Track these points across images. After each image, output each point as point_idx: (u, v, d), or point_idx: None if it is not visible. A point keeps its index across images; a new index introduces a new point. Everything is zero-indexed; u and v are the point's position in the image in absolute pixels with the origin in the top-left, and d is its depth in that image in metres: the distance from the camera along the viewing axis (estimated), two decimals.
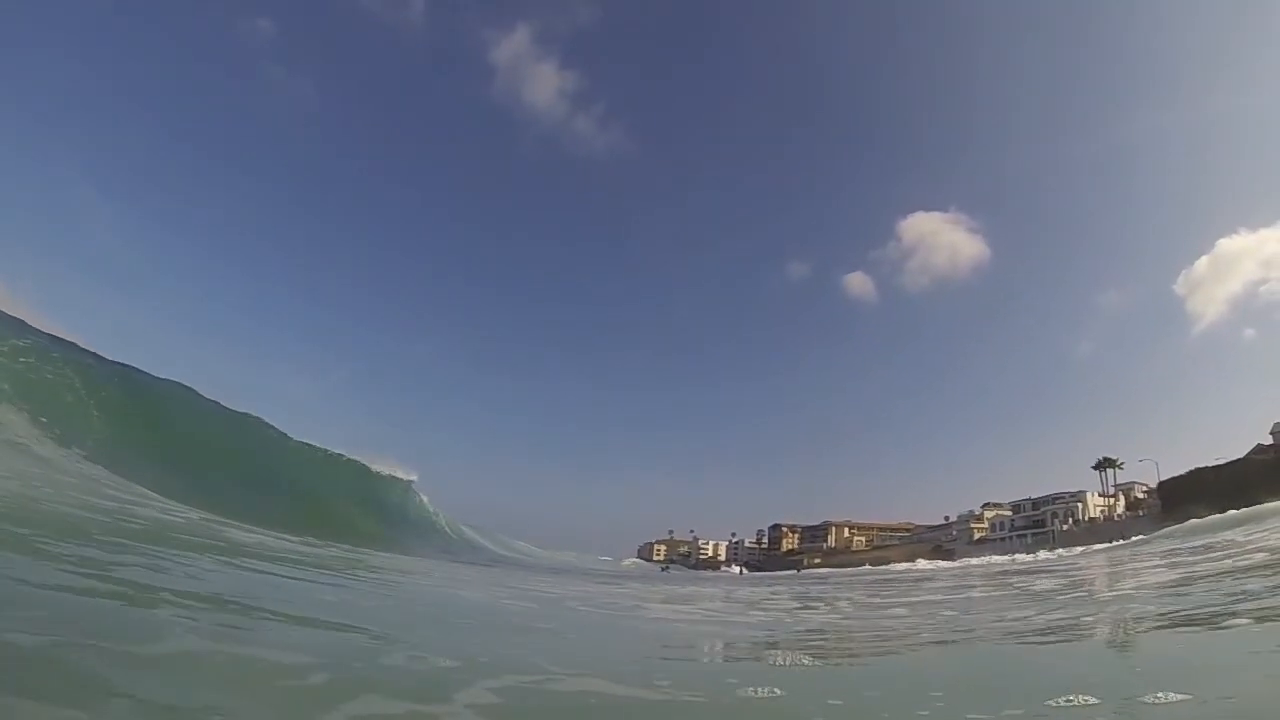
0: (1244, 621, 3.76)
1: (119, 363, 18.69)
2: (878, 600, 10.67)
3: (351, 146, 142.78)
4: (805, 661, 3.77)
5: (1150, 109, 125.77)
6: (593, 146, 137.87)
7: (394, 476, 26.28)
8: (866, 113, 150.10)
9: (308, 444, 23.14)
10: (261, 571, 5.93)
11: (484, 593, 8.46)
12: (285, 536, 9.85)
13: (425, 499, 28.12)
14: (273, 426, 22.20)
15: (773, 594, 11.77)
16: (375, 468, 25.48)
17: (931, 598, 9.84)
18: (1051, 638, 4.43)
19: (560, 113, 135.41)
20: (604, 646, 4.72)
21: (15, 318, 15.93)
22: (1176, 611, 4.95)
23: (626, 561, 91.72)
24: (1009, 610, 6.10)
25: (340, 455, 24.15)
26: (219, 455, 17.37)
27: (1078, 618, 5.00)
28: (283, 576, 5.89)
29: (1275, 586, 5.44)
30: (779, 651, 4.16)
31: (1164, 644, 3.91)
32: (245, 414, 21.61)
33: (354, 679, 2.71)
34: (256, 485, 16.99)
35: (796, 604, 9.08)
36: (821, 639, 5.17)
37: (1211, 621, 4.11)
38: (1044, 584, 9.99)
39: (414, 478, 27.48)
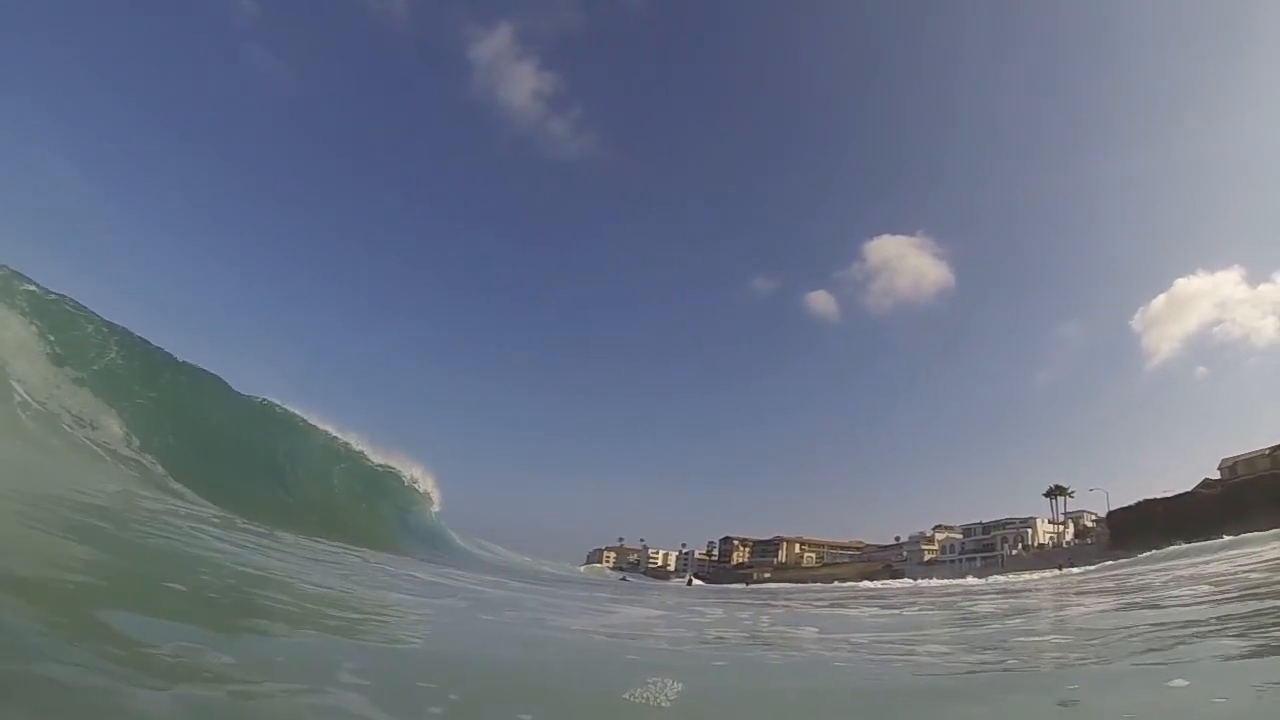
0: (1182, 683, 3.26)
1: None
2: (810, 611, 10.22)
3: (325, 132, 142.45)
4: (658, 703, 3.18)
5: (1118, 150, 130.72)
6: (565, 150, 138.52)
7: (415, 488, 25.36)
8: (841, 133, 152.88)
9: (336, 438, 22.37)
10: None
11: (392, 592, 7.59)
12: (233, 516, 9.47)
13: (428, 501, 26.99)
14: (298, 416, 21.40)
15: (707, 607, 11.32)
16: (404, 474, 24.76)
17: (858, 613, 9.42)
18: (967, 690, 3.90)
19: (535, 114, 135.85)
20: (436, 662, 4.00)
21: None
22: (1115, 656, 4.47)
23: (582, 568, 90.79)
24: (928, 646, 5.57)
25: (374, 467, 23.26)
26: (233, 442, 16.86)
27: (1004, 661, 4.48)
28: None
29: (1220, 623, 5.02)
30: (649, 683, 3.54)
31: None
32: (264, 401, 20.74)
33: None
34: (264, 476, 16.77)
35: (718, 620, 8.55)
36: (711, 669, 4.53)
37: (1152, 673, 3.62)
38: (984, 608, 9.61)
39: (436, 507, 26.55)
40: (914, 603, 12.08)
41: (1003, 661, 4.39)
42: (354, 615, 5.19)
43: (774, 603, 14.04)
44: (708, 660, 4.61)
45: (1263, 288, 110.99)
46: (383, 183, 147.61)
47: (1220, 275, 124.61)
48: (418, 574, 10.42)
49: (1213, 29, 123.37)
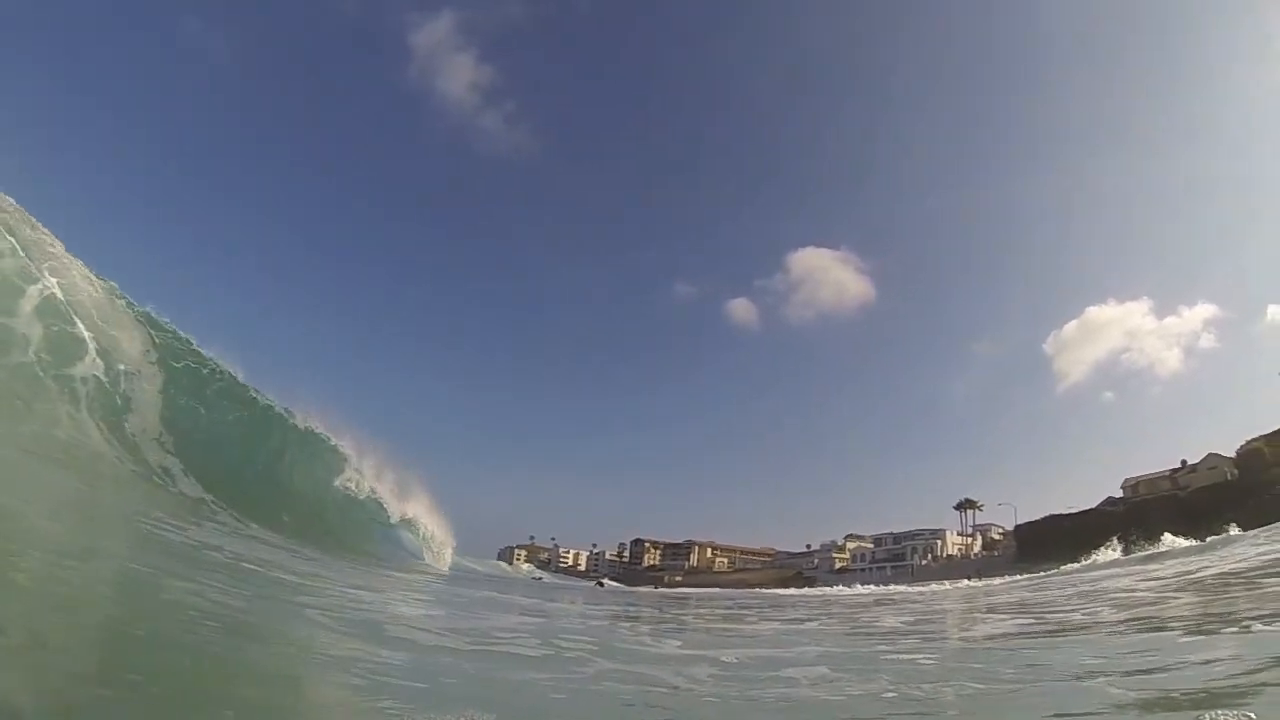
0: None
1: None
2: (704, 625, 9.84)
3: (256, 108, 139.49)
4: None
5: (1037, 179, 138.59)
6: (498, 143, 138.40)
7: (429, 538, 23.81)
8: (770, 145, 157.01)
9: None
10: None
11: (255, 593, 6.51)
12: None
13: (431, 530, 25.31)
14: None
15: (596, 616, 10.79)
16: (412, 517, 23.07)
17: (755, 629, 9.07)
18: None
19: (471, 106, 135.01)
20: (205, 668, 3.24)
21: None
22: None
23: (507, 566, 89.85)
24: (806, 670, 5.14)
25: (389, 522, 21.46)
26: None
27: (884, 693, 4.04)
28: None
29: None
30: (459, 714, 2.92)
31: None
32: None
33: None
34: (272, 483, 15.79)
35: (595, 631, 7.97)
36: (545, 700, 3.88)
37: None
38: (890, 622, 9.41)
39: (446, 566, 24.84)
40: (817, 617, 11.84)
41: (882, 692, 3.95)
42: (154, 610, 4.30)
43: (672, 611, 13.66)
44: (545, 690, 3.99)
45: (1169, 320, 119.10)
46: (310, 163, 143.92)
47: (1130, 305, 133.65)
48: (299, 568, 9.36)
49: (1129, 63, 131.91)
